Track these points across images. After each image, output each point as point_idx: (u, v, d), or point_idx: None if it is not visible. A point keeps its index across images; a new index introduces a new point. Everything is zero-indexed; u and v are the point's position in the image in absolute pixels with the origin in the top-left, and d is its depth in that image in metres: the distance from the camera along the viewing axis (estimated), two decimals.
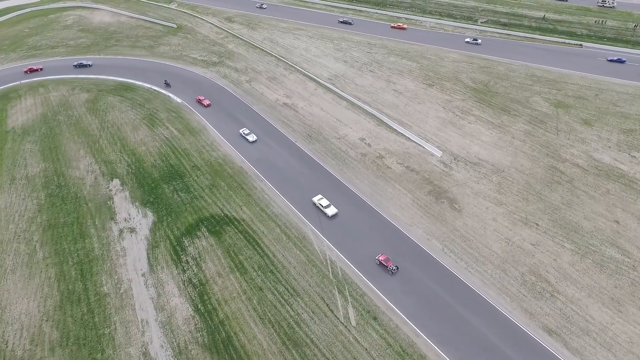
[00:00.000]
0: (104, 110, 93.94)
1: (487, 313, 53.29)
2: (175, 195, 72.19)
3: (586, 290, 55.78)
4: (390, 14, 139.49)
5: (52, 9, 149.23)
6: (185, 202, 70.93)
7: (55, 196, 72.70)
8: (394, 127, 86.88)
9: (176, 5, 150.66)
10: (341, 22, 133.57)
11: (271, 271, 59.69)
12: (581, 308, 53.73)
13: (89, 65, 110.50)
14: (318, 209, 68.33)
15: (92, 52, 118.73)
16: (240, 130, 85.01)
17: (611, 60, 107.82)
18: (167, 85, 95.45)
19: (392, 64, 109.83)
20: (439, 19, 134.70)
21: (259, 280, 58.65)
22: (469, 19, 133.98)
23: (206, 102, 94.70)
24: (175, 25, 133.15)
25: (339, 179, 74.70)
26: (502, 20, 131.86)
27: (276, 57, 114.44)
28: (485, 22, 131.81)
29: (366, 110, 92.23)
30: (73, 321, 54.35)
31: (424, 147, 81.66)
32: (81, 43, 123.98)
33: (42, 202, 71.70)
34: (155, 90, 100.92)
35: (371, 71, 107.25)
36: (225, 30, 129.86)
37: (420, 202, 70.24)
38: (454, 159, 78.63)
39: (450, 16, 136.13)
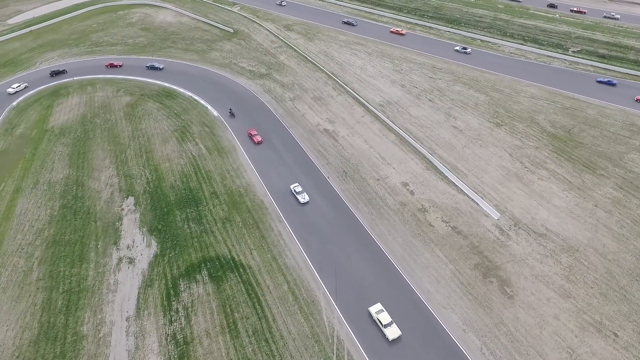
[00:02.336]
0: (140, 116, 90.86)
1: None
2: (186, 226, 65.69)
3: None
4: (465, 33, 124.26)
5: (123, 6, 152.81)
6: (193, 236, 64.12)
7: (68, 208, 69.56)
8: (445, 174, 73.75)
9: (239, 8, 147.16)
10: (392, 32, 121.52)
11: (266, 340, 50.56)
12: None
13: (161, 68, 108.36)
14: (375, 322, 52.38)
15: (147, 52, 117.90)
16: (292, 187, 70.85)
17: None
18: (232, 115, 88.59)
19: (457, 94, 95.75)
20: (522, 44, 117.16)
21: (250, 349, 49.75)
22: (558, 46, 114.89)
23: (258, 137, 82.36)
24: (232, 30, 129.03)
25: (369, 231, 63.63)
26: (600, 51, 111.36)
27: (327, 73, 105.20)
28: (578, 51, 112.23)
29: (416, 148, 79.83)
30: None
31: (478, 205, 67.84)
32: (139, 42, 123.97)
33: (55, 213, 68.81)
34: (194, 99, 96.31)
35: (430, 100, 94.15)
36: (281, 39, 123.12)
37: (462, 277, 57.18)
38: (514, 225, 64.08)
39: (535, 42, 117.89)
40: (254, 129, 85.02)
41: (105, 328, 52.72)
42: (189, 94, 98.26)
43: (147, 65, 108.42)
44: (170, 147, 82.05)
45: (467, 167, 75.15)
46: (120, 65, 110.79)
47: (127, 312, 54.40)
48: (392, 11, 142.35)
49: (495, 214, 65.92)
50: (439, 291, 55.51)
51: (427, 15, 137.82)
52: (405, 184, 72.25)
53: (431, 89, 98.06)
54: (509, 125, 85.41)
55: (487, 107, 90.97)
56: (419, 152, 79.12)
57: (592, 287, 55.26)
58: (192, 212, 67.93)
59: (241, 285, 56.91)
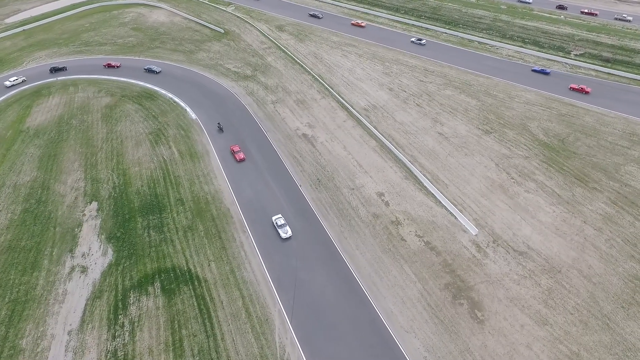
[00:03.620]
0: (117, 118, 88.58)
1: None
2: (145, 234, 62.77)
3: None
4: (463, 35, 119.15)
5: (118, 5, 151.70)
6: (152, 244, 61.13)
7: (30, 212, 67.36)
8: (425, 184, 69.34)
9: (233, 8, 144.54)
10: (353, 24, 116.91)
11: None
12: None
13: (158, 72, 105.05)
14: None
15: (134, 52, 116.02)
16: (273, 219, 63.23)
17: None
18: (220, 130, 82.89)
19: (447, 99, 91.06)
20: (521, 46, 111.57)
21: None
22: (560, 49, 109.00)
23: (240, 155, 76.00)
24: (222, 31, 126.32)
25: (336, 245, 59.68)
26: (604, 54, 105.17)
27: (313, 75, 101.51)
28: (580, 54, 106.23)
29: (396, 156, 75.55)
30: None
31: (456, 218, 63.28)
32: (128, 42, 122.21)
33: (15, 217, 66.67)
34: (174, 101, 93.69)
35: (418, 105, 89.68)
36: (271, 40, 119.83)
37: (430, 298, 52.88)
38: (493, 242, 59.41)
39: (536, 44, 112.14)
40: (238, 145, 79.25)
41: (45, 342, 50.01)
42: (170, 95, 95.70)
43: (145, 67, 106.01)
44: (142, 150, 79.45)
45: (449, 177, 70.59)
46: (118, 66, 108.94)
47: (70, 325, 51.61)
48: (389, 11, 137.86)
49: (473, 229, 61.30)
50: (403, 312, 51.31)
51: (425, 16, 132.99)
52: (380, 194, 68.08)
53: (420, 93, 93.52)
54: (499, 132, 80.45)
55: (478, 113, 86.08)
56: (400, 160, 74.82)
57: (572, 314, 50.40)
58: (154, 219, 65.02)
59: (194, 299, 53.65)
